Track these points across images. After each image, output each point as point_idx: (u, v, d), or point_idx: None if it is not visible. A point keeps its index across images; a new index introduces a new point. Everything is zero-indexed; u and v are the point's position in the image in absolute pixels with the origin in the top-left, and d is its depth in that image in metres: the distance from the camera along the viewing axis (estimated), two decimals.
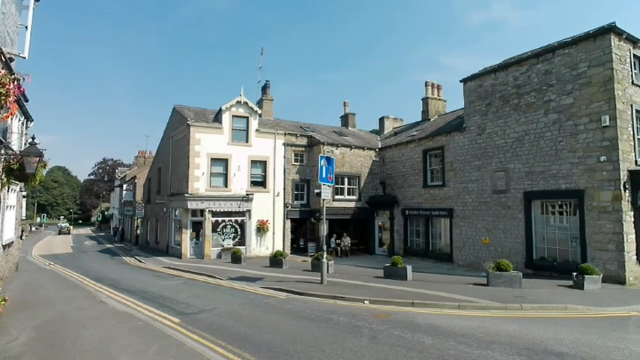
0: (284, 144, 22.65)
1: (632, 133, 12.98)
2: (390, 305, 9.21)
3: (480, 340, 6.49)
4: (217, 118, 21.50)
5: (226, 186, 20.80)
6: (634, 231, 12.34)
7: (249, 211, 21.07)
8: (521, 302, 9.17)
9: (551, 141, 14.18)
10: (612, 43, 12.83)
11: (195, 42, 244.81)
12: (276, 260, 16.67)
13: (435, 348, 6.06)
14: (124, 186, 41.89)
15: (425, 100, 25.55)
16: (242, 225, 21.13)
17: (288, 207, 22.28)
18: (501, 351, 5.92)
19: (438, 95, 25.81)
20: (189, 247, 20.33)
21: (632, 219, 12.36)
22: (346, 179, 22.77)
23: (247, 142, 21.61)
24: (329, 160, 12.61)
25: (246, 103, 21.62)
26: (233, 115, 21.35)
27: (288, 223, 22.40)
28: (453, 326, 7.36)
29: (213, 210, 20.18)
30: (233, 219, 20.94)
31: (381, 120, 29.53)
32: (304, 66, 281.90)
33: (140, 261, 20.18)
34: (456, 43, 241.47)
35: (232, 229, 20.97)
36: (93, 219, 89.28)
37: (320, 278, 11.88)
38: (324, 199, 12.49)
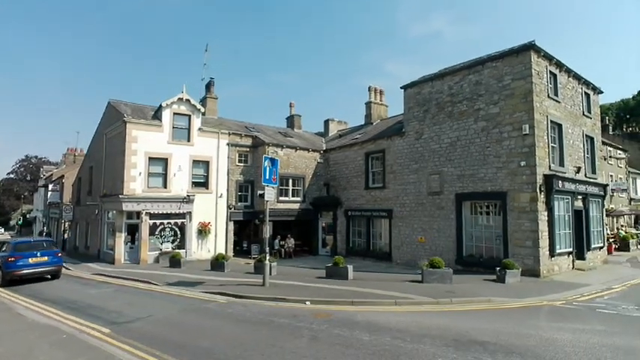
0: (228, 144, 22.12)
1: (547, 141, 14.52)
2: (331, 305, 9.40)
3: (413, 334, 6.85)
4: (157, 115, 20.43)
5: (166, 187, 19.82)
6: (547, 229, 13.82)
7: (190, 213, 20.27)
8: (451, 297, 9.85)
9: (479, 147, 15.38)
10: (532, 60, 14.26)
11: (136, 34, 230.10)
12: (217, 263, 16.22)
13: (372, 344, 6.30)
14: (50, 186, 38.05)
15: (368, 105, 26.39)
16: (182, 227, 20.26)
17: (231, 208, 21.79)
18: (432, 343, 6.30)
19: (381, 100, 26.80)
20: (123, 251, 19.04)
21: (546, 218, 13.83)
22: (291, 180, 22.81)
23: (189, 141, 20.78)
24: (273, 161, 12.56)
25: (188, 100, 20.79)
26: (174, 113, 20.41)
27: (232, 225, 21.91)
28: (390, 322, 7.70)
29: (151, 212, 19.12)
30: (172, 221, 20.00)
31: (326, 122, 29.98)
32: (251, 66, 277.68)
33: (67, 268, 18.48)
34: (399, 51, 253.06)
35: (171, 232, 20.02)
36: (12, 222, 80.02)
37: (262, 280, 11.77)
38: (267, 201, 12.41)
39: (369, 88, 26.44)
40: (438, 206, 16.73)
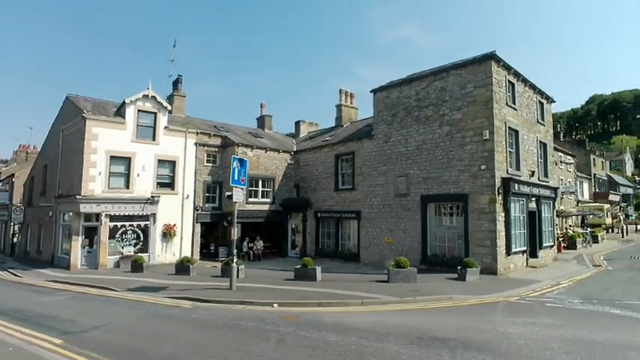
0: (196, 143, 21.61)
1: (505, 146, 15.29)
2: (299, 307, 9.44)
3: (378, 333, 7.02)
4: (120, 112, 19.60)
5: (128, 187, 19.06)
6: (504, 229, 14.55)
7: (154, 214, 19.60)
8: (415, 295, 10.17)
9: (444, 150, 15.95)
10: (493, 69, 14.97)
11: (99, 28, 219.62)
12: (182, 267, 15.80)
13: (339, 345, 6.39)
14: None
15: (339, 107, 26.68)
16: (145, 230, 19.55)
17: (198, 210, 21.29)
18: (396, 342, 6.49)
19: (351, 103, 27.17)
20: (80, 256, 18.10)
21: (503, 219, 14.56)
22: (260, 182, 22.62)
23: (154, 139, 20.10)
24: (242, 161, 12.43)
25: (154, 97, 20.10)
26: (139, 110, 19.67)
27: (198, 227, 21.41)
28: (356, 322, 7.84)
29: (112, 214, 18.32)
30: (135, 223, 19.26)
31: (297, 124, 30.00)
32: (221, 64, 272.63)
33: (16, 275, 17.34)
34: (370, 55, 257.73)
35: (134, 235, 19.27)
36: None
37: (229, 284, 11.60)
38: (235, 202, 12.25)
39: (340, 90, 26.77)
40: (404, 207, 17.18)
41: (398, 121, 17.91)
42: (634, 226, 35.28)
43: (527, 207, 16.41)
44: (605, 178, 50.86)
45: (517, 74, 16.62)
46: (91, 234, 18.40)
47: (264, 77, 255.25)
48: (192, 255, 19.83)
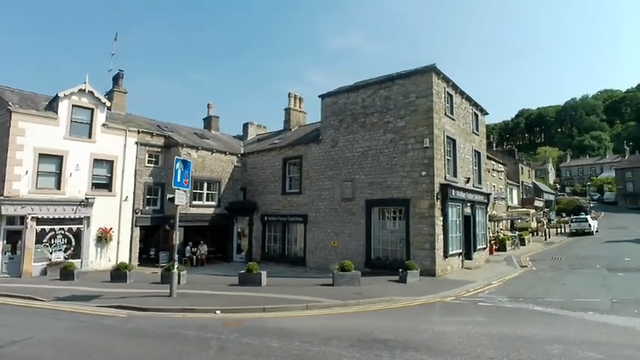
0: (137, 143, 20.45)
1: (443, 154, 16.29)
2: (242, 313, 9.29)
3: (321, 337, 7.12)
4: (52, 106, 17.99)
5: (59, 188, 17.53)
6: (442, 232, 15.48)
7: (88, 217, 18.21)
8: (358, 298, 10.46)
9: (388, 156, 16.61)
10: (433, 80, 15.91)
11: (29, 15, 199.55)
12: (118, 274, 14.84)
13: (281, 350, 6.38)
14: None
15: (287, 111, 26.69)
16: (78, 234, 18.09)
17: (138, 213, 20.14)
18: (338, 345, 6.62)
19: (300, 107, 27.32)
20: (0, 263, 16.32)
21: (442, 223, 15.49)
22: (206, 184, 21.95)
23: (90, 137, 18.70)
24: (185, 163, 12.02)
25: (91, 92, 18.71)
26: (74, 105, 18.20)
27: (138, 231, 20.24)
28: (300, 327, 7.90)
29: (39, 216, 16.73)
30: (66, 227, 17.75)
31: (245, 126, 29.55)
32: (168, 61, 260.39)
33: None
34: (319, 61, 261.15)
35: (64, 240, 17.75)
36: None
37: (169, 291, 11.11)
38: (177, 205, 11.78)
39: (289, 94, 26.80)
40: (349, 212, 17.60)
41: (345, 126, 18.34)
42: (555, 229, 39.10)
43: (462, 212, 17.59)
44: (531, 186, 55.98)
45: (455, 87, 17.81)
46: (14, 238, 16.66)
47: (213, 77, 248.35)
48: (130, 261, 18.70)
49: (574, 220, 38.29)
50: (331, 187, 18.50)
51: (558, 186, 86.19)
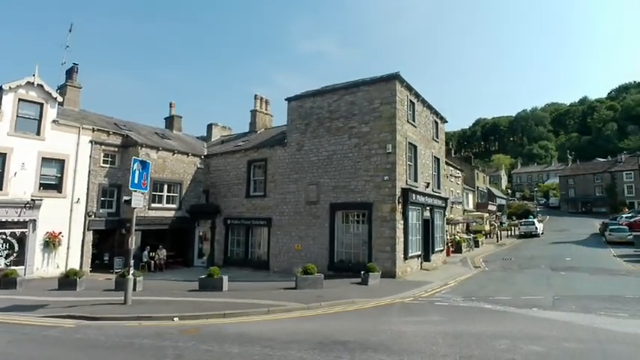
0: (92, 141, 19.37)
1: (405, 159, 16.79)
2: (202, 319, 9.04)
3: (282, 341, 7.08)
4: None
5: (1, 188, 16.22)
6: (403, 235, 15.92)
7: (34, 220, 16.96)
8: (320, 301, 10.50)
9: (352, 161, 16.88)
10: (397, 88, 16.39)
11: None
12: (67, 281, 13.92)
13: (241, 356, 6.28)
14: None
15: (254, 113, 26.43)
16: (22, 239, 16.80)
17: (91, 216, 19.05)
18: (299, 348, 6.62)
19: (266, 109, 27.14)
20: None
21: (402, 226, 15.94)
22: (166, 186, 21.20)
23: (39, 134, 17.47)
24: (144, 164, 11.56)
25: (41, 86, 17.49)
26: (20, 99, 16.94)
27: (90, 235, 19.13)
28: (261, 331, 7.81)
29: None
30: (9, 231, 16.44)
31: (210, 127, 28.90)
32: (129, 57, 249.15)
33: None
34: (288, 64, 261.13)
35: (6, 245, 16.42)
36: None
37: (124, 298, 10.60)
38: (135, 208, 11.30)
39: (256, 96, 26.56)
40: (314, 215, 17.67)
41: (311, 130, 18.44)
42: (506, 232, 41.45)
43: (422, 215, 18.20)
44: (486, 191, 58.94)
45: (417, 95, 18.44)
46: None
47: (177, 75, 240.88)
48: (81, 267, 17.68)
49: (523, 223, 40.95)
50: (296, 191, 18.49)
51: (510, 191, 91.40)
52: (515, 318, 8.90)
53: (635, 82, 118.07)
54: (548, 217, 58.79)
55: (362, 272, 13.87)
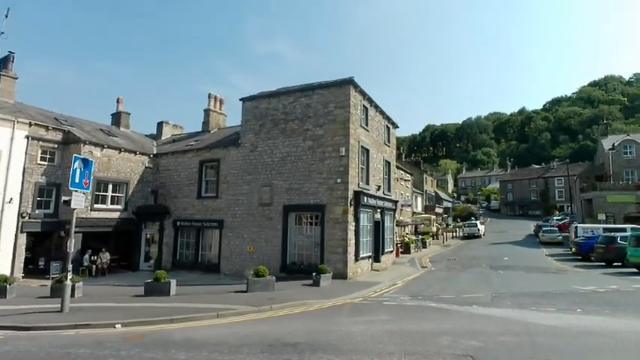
0: (28, 137, 17.86)
1: (357, 162, 17.25)
2: (147, 325, 8.71)
3: (231, 345, 7.02)
4: None
5: None
6: (354, 237, 16.35)
7: None
8: (271, 304, 10.52)
9: (306, 163, 17.04)
10: (351, 93, 16.78)
11: None
12: None
13: None
14: None
15: (207, 112, 25.77)
16: None
17: (25, 217, 17.56)
18: (248, 352, 6.60)
19: (220, 109, 26.56)
20: None
21: (354, 228, 16.36)
22: (111, 186, 20.07)
23: None
24: (86, 162, 10.94)
25: None
26: None
27: (24, 237, 17.62)
28: (209, 336, 7.68)
29: None
30: None
31: (160, 125, 27.69)
32: (73, 48, 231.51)
33: None
34: (243, 64, 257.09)
35: None
36: None
37: (61, 305, 9.92)
38: (75, 209, 10.63)
39: (209, 95, 25.92)
40: (267, 217, 17.60)
41: (265, 131, 18.36)
42: (451, 233, 43.84)
43: (373, 217, 18.79)
44: (434, 194, 61.95)
45: (370, 100, 19.03)
46: None
47: (126, 71, 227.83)
48: (12, 272, 16.28)
49: (466, 225, 43.61)
50: (249, 192, 18.31)
51: (455, 195, 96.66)
52: (458, 315, 9.45)
53: (566, 95, 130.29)
54: (489, 219, 62.76)
55: (314, 274, 14.04)
